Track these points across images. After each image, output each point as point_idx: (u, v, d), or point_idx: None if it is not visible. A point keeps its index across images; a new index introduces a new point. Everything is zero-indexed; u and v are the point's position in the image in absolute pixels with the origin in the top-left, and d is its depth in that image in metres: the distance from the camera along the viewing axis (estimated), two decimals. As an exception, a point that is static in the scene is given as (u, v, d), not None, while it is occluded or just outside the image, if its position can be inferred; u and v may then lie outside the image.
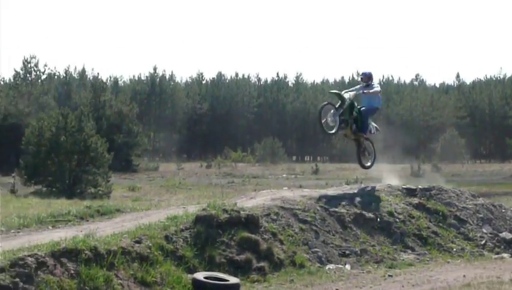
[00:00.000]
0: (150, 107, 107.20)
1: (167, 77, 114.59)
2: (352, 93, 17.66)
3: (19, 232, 13.95)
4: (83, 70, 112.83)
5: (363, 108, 17.80)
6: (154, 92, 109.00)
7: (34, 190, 45.34)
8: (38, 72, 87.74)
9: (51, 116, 49.27)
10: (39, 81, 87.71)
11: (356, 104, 17.74)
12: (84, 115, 48.58)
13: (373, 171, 20.26)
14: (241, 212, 13.80)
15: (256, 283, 12.53)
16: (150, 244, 11.96)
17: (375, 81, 18.50)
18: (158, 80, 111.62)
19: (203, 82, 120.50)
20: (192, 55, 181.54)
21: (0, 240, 12.63)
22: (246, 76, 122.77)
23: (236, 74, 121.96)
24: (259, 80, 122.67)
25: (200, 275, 11.61)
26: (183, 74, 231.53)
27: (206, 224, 13.15)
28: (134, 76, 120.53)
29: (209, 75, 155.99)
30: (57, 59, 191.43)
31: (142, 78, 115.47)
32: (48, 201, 33.57)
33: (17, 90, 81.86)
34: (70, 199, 37.20)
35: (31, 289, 9.85)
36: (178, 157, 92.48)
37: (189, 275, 11.77)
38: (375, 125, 18.33)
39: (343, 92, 17.71)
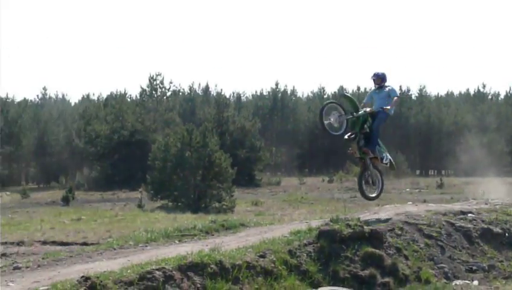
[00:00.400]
0: (271, 122, 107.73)
1: (289, 92, 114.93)
2: (368, 109, 15.57)
3: (146, 246, 14.26)
4: (207, 87, 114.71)
5: (375, 121, 15.59)
6: (276, 107, 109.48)
7: (160, 204, 46.51)
8: (163, 89, 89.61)
9: (176, 132, 50.46)
10: (164, 98, 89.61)
11: (370, 119, 15.59)
12: (208, 130, 49.43)
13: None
14: (365, 227, 13.65)
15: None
16: (274, 259, 11.99)
17: (389, 82, 16.12)
18: (280, 95, 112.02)
19: (325, 96, 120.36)
20: (313, 70, 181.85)
21: (129, 254, 12.99)
22: (367, 89, 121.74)
23: (358, 88, 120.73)
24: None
25: (325, 290, 11.60)
26: (304, 89, 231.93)
27: (329, 239, 13.07)
28: (256, 91, 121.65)
29: (330, 89, 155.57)
30: (182, 76, 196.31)
31: (264, 93, 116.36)
32: (173, 215, 34.43)
33: (143, 107, 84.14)
34: (195, 213, 38.00)
35: (159, 302, 10.07)
36: (300, 172, 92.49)
37: (314, 290, 11.76)
38: (390, 157, 16.27)
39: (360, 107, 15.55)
